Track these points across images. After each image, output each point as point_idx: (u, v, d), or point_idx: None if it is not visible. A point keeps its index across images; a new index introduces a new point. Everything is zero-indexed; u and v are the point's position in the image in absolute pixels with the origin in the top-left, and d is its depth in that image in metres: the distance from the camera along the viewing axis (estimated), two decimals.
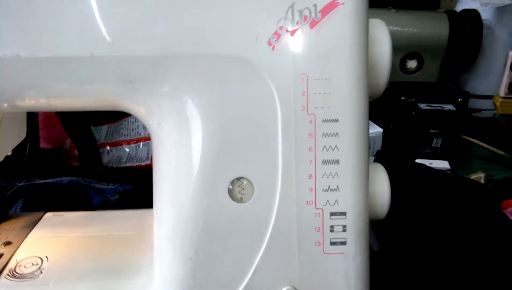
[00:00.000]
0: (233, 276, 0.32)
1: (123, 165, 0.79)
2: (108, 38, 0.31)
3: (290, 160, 0.31)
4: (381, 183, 0.34)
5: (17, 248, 0.41)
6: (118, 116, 0.86)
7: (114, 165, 0.79)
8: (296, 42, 0.31)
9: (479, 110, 0.92)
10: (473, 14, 0.86)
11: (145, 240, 0.42)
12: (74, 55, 0.31)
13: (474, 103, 0.92)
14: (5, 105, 0.33)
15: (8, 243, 0.42)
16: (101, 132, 0.86)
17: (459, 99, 0.75)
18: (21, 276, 0.38)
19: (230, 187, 0.32)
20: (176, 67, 0.31)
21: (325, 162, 0.31)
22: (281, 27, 0.31)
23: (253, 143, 0.31)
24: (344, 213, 0.32)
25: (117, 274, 0.38)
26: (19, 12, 0.30)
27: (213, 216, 0.32)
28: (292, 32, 0.31)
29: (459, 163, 0.76)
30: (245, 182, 0.32)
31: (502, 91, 0.86)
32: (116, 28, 0.31)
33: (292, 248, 0.32)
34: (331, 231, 0.32)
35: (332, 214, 0.31)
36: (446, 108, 0.73)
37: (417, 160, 0.72)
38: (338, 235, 0.32)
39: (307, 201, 0.31)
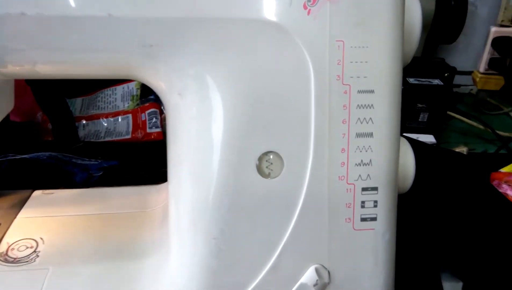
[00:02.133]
0: (259, 255, 0.30)
1: (102, 140, 0.75)
2: None
3: (323, 133, 0.29)
4: (406, 156, 0.33)
5: (7, 229, 0.38)
6: (93, 88, 0.81)
7: (92, 140, 0.74)
8: (333, 6, 0.28)
9: (458, 86, 0.93)
10: None
11: (151, 218, 0.39)
12: (88, 14, 0.27)
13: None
14: (3, 69, 0.29)
15: None
16: (76, 105, 0.81)
17: (446, 74, 0.76)
18: (15, 261, 0.35)
19: (257, 162, 0.30)
20: (201, 31, 0.28)
21: (358, 135, 0.30)
22: None
23: (284, 115, 0.29)
24: (375, 188, 0.30)
25: (123, 255, 0.35)
26: None
27: (240, 193, 0.30)
28: None
29: (442, 137, 0.78)
30: (271, 157, 0.30)
31: (482, 67, 0.88)
32: None
33: (322, 226, 0.30)
34: (362, 207, 0.30)
35: (363, 189, 0.30)
36: (434, 83, 0.74)
37: (404, 134, 0.72)
38: (369, 211, 0.31)
39: (339, 177, 0.30)
